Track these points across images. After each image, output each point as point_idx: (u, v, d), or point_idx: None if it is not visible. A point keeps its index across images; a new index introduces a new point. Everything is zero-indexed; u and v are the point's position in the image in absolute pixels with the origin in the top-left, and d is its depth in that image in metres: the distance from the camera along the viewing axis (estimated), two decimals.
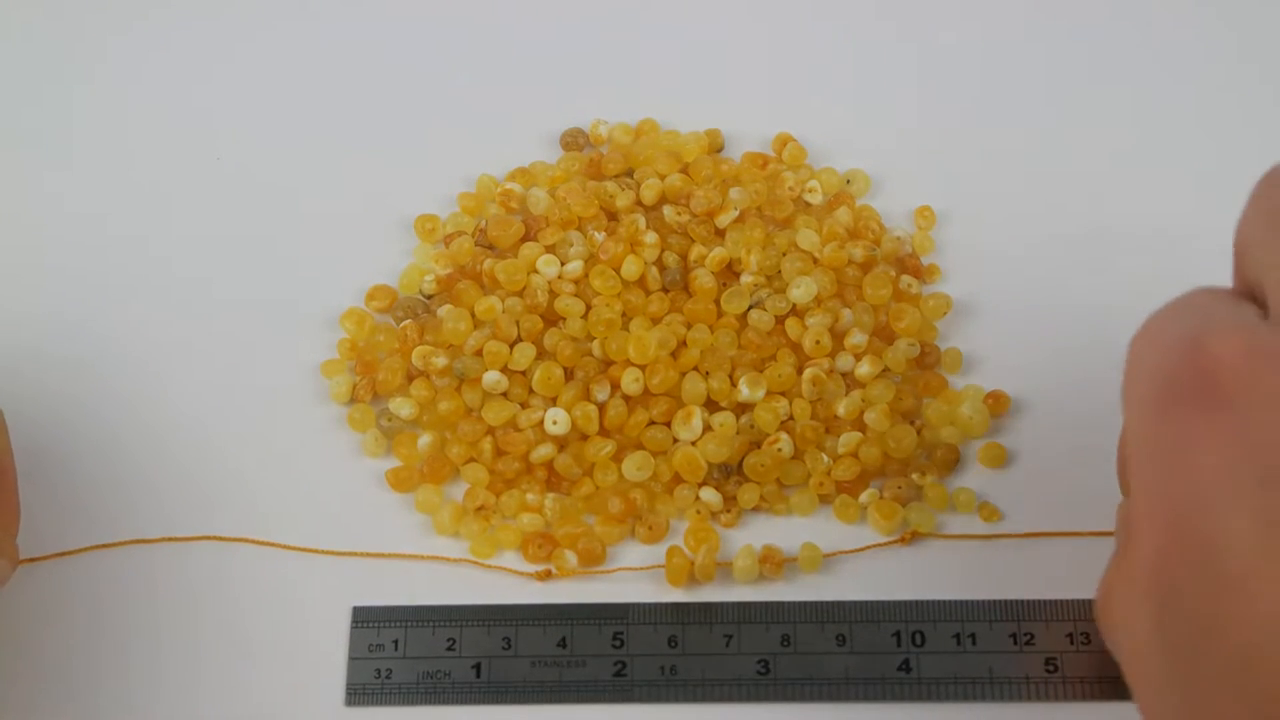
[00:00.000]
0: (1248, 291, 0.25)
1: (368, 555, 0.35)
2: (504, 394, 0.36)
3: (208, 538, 0.35)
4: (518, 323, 0.36)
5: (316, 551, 0.35)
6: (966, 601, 0.34)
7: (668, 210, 0.38)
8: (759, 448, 0.35)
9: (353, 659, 0.33)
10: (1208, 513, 0.22)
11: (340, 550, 0.35)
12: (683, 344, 0.36)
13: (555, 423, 0.35)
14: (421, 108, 0.42)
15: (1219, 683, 0.22)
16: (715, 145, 0.41)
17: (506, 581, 0.35)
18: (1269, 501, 0.21)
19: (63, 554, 0.35)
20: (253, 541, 0.35)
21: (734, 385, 0.36)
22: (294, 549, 0.35)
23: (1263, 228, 0.24)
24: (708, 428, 0.35)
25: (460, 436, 0.36)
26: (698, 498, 0.35)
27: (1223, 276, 0.27)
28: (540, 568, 0.35)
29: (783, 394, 0.36)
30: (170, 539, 0.35)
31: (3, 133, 0.42)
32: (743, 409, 0.36)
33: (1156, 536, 0.23)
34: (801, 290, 0.36)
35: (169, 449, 0.36)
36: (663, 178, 0.39)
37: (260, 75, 0.43)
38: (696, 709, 0.33)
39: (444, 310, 0.37)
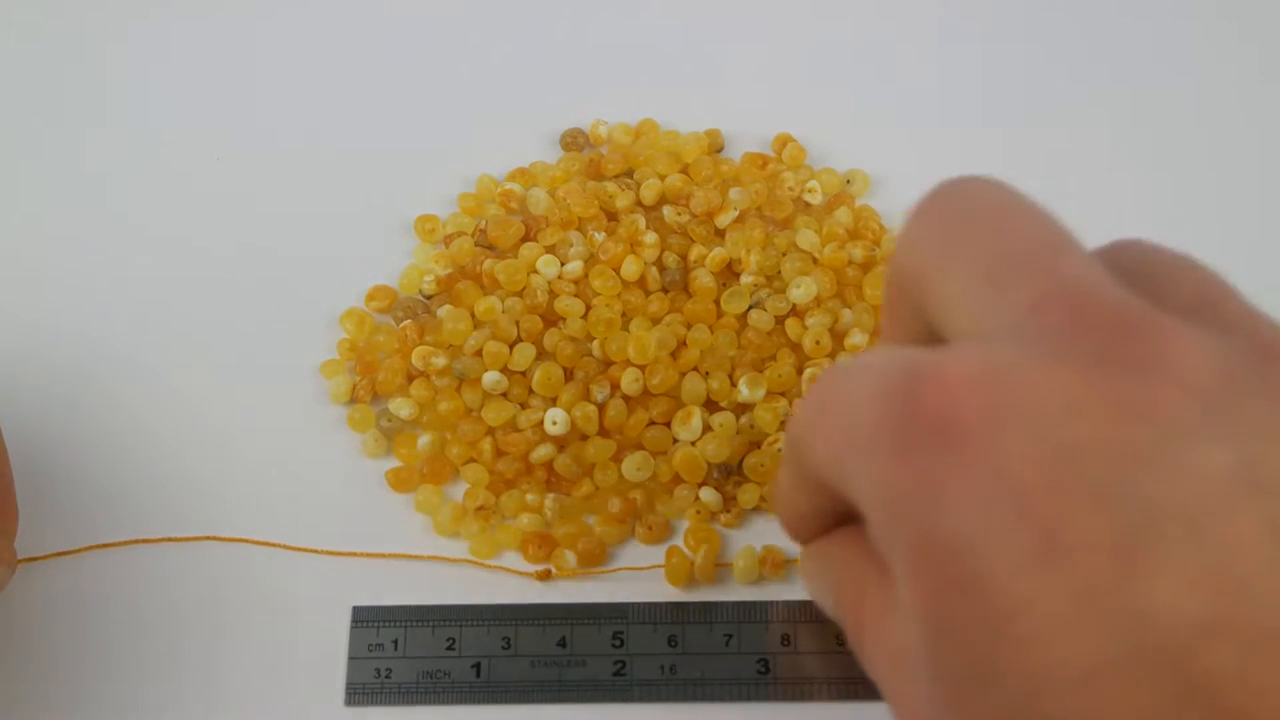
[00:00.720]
0: (915, 336, 0.24)
1: (368, 555, 0.35)
2: (504, 394, 0.36)
3: (207, 538, 0.35)
4: (518, 323, 0.36)
5: (316, 551, 0.35)
6: None
7: (668, 210, 0.38)
8: (759, 448, 0.35)
9: (352, 659, 0.33)
10: (972, 554, 0.20)
11: (340, 550, 0.35)
12: (683, 344, 0.36)
13: (555, 423, 0.35)
14: (421, 108, 0.42)
15: None
16: (715, 145, 0.41)
17: (506, 581, 0.35)
18: (1029, 534, 0.19)
19: (62, 554, 0.35)
20: (252, 542, 0.35)
21: (734, 385, 0.36)
22: (294, 549, 0.35)
23: (937, 251, 0.23)
24: (708, 428, 0.35)
25: (460, 437, 0.36)
26: (698, 498, 0.35)
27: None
28: (540, 568, 0.35)
29: (783, 394, 0.36)
30: (170, 539, 0.35)
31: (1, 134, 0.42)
32: (743, 409, 0.36)
33: (927, 579, 0.21)
34: (801, 290, 0.36)
35: (168, 449, 0.36)
36: (663, 178, 0.39)
37: (259, 75, 0.43)
38: (696, 709, 0.33)
39: (444, 310, 0.37)
